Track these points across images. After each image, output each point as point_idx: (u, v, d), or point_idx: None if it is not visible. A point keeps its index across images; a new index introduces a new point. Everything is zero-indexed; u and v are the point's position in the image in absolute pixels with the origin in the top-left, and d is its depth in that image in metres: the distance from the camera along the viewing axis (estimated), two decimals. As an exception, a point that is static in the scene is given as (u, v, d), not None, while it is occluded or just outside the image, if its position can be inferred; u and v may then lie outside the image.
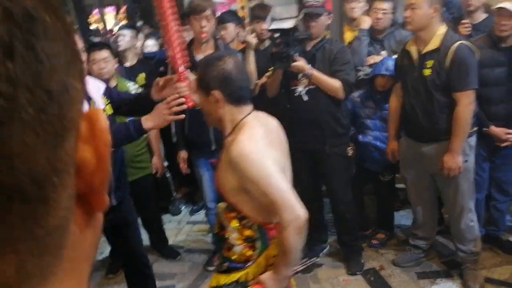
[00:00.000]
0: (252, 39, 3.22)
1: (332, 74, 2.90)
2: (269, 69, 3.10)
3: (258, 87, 3.32)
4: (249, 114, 1.59)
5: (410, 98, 2.85)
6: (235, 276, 1.61)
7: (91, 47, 3.11)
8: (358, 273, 3.17)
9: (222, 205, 1.66)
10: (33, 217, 0.25)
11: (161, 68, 4.01)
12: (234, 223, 1.59)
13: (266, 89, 3.20)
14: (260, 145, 1.50)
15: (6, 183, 0.23)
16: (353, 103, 3.33)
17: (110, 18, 14.83)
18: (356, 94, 3.33)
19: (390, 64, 3.09)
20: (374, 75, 3.22)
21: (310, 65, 2.85)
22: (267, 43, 3.41)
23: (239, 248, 1.59)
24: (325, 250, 3.41)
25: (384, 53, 3.45)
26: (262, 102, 3.23)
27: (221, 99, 1.55)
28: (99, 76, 2.90)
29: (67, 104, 0.26)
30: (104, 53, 3.04)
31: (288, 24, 2.90)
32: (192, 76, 2.00)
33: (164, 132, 3.51)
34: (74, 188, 0.28)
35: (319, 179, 3.28)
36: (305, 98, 2.97)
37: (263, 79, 3.30)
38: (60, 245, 0.28)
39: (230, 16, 3.71)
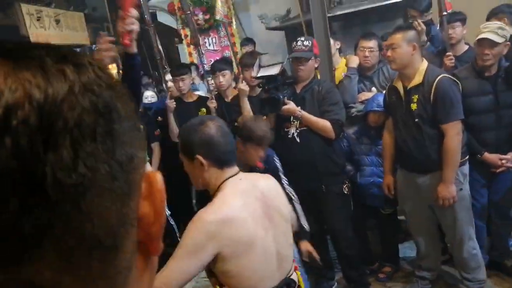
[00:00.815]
0: (245, 87, 3.35)
1: (322, 114, 2.99)
2: (263, 114, 3.20)
3: None
4: (232, 176, 1.60)
5: (401, 132, 2.93)
6: None
7: None
8: (367, 307, 3.16)
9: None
10: (107, 260, 0.31)
11: (159, 118, 4.15)
12: None
13: None
14: (209, 218, 1.48)
15: (88, 235, 0.29)
16: (349, 140, 3.40)
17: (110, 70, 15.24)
18: (351, 131, 3.42)
19: (381, 100, 3.18)
20: (366, 112, 3.31)
21: (299, 107, 2.95)
22: (257, 90, 3.54)
23: None
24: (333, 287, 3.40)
25: (374, 89, 3.56)
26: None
27: (205, 163, 1.57)
28: None
29: (133, 171, 0.33)
30: None
31: (275, 70, 3.02)
32: None
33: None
34: (136, 236, 0.35)
35: (320, 217, 3.32)
36: (298, 139, 3.05)
37: None
38: (126, 283, 0.34)
39: (225, 64, 3.87)
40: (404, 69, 2.80)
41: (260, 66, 3.35)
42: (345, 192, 3.12)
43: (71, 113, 0.28)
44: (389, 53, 2.78)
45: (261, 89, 3.19)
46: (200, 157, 1.56)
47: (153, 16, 6.60)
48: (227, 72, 3.73)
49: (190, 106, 3.89)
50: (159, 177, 0.37)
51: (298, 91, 3.12)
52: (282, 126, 3.11)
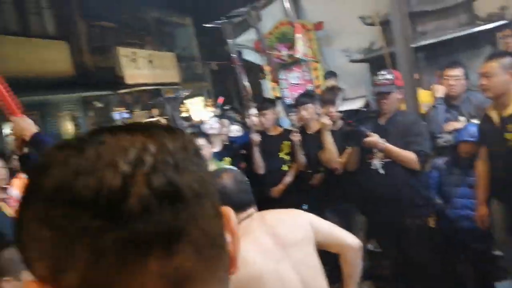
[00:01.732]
0: (327, 121, 3.40)
1: (406, 145, 2.94)
2: (347, 147, 3.23)
3: (342, 166, 3.44)
4: (245, 218, 1.72)
5: (496, 162, 2.79)
6: None
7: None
8: None
9: None
10: (221, 257, 0.45)
11: (243, 151, 4.31)
12: None
13: (346, 165, 3.33)
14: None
15: (209, 236, 0.42)
16: (439, 171, 3.29)
17: (198, 107, 16.12)
18: (440, 161, 3.31)
19: (473, 130, 3.06)
20: (457, 142, 3.19)
21: (383, 139, 2.94)
22: (339, 123, 3.56)
23: None
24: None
25: (462, 119, 3.43)
26: (348, 179, 3.36)
27: None
28: None
29: (224, 241, 0.46)
30: (200, 141, 3.37)
31: (358, 103, 3.05)
32: None
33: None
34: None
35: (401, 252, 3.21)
36: (381, 171, 3.02)
37: (344, 158, 3.42)
38: (227, 281, 0.46)
39: (308, 97, 3.97)
40: (499, 97, 2.69)
41: (343, 100, 3.40)
42: (431, 226, 3.00)
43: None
44: (484, 81, 2.69)
45: (343, 122, 3.23)
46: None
47: (239, 54, 6.94)
48: (310, 105, 3.82)
49: (274, 139, 4.01)
50: (231, 213, 0.49)
51: (381, 123, 3.11)
52: (365, 157, 3.11)
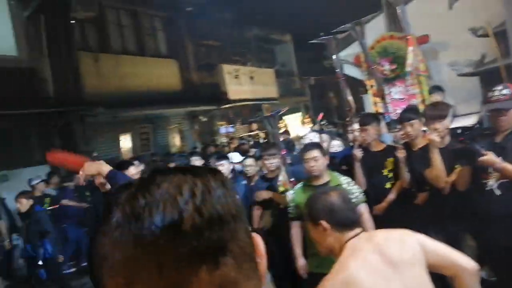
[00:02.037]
0: (436, 138, 3.20)
1: None
2: (456, 166, 3.07)
3: (449, 185, 3.28)
4: (353, 237, 1.72)
5: None
6: None
7: (304, 149, 3.56)
8: None
9: None
10: (255, 268, 0.55)
11: (343, 167, 4.29)
12: None
13: (456, 185, 3.17)
14: (346, 275, 1.56)
15: (245, 251, 0.54)
16: None
17: (295, 122, 16.30)
18: None
19: None
20: None
21: (500, 157, 2.75)
22: (446, 140, 3.39)
23: None
24: None
25: None
26: (455, 199, 3.20)
27: (328, 227, 1.75)
28: (310, 173, 3.36)
29: (256, 258, 0.57)
30: (315, 153, 3.39)
31: (471, 121, 2.90)
32: None
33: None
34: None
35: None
36: (497, 192, 2.84)
37: (453, 176, 3.26)
38: None
39: (413, 113, 3.85)
40: None
41: (454, 116, 3.24)
42: None
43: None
44: None
45: (452, 139, 3.08)
46: (323, 222, 1.76)
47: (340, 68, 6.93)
48: (415, 121, 3.69)
49: (376, 156, 3.94)
50: (259, 239, 0.60)
51: (498, 140, 2.92)
52: (478, 177, 2.94)
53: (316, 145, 3.61)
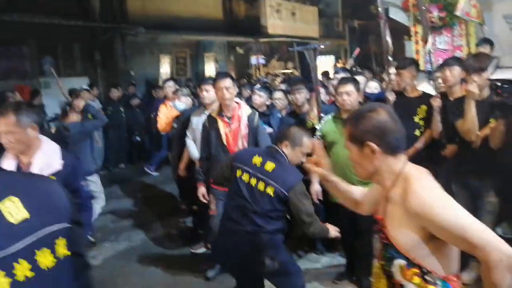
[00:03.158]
0: (475, 89, 3.11)
1: None
2: (490, 119, 3.03)
3: (480, 139, 3.25)
4: (406, 164, 1.56)
5: None
6: None
7: (340, 82, 3.63)
8: None
9: (401, 262, 1.54)
10: None
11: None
12: (416, 280, 1.52)
13: (489, 140, 3.14)
14: (439, 192, 1.48)
15: None
16: None
17: (327, 64, 15.98)
18: None
19: None
20: None
21: None
22: (485, 93, 3.33)
23: None
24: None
25: None
26: (484, 154, 3.19)
27: (377, 150, 1.53)
28: (341, 106, 3.49)
29: None
30: (349, 87, 3.44)
31: (512, 74, 2.83)
32: None
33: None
34: None
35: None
36: None
37: (485, 130, 3.21)
38: None
39: (456, 60, 3.76)
40: None
41: (496, 68, 3.14)
42: None
43: None
44: None
45: (489, 93, 3.03)
46: (372, 144, 1.53)
47: (385, 11, 6.69)
48: (456, 67, 3.59)
49: (410, 101, 3.88)
50: None
51: None
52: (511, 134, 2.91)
53: (352, 80, 3.61)
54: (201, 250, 4.48)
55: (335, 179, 1.88)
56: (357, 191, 1.89)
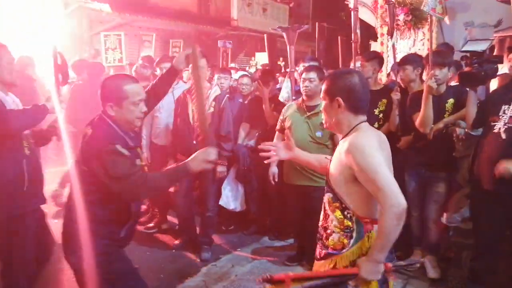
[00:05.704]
0: (432, 84, 3.24)
1: None
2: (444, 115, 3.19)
3: (433, 133, 3.39)
4: (363, 122, 1.84)
5: None
6: (331, 261, 1.82)
7: (304, 69, 3.77)
8: None
9: (329, 196, 1.86)
10: None
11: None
12: (337, 213, 1.80)
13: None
14: (373, 142, 1.74)
15: None
16: None
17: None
18: None
19: None
20: None
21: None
22: (442, 88, 3.46)
23: (337, 236, 1.80)
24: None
25: None
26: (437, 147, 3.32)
27: (342, 105, 1.82)
28: (303, 92, 3.66)
29: None
30: (311, 74, 3.61)
31: (482, 46, 2.96)
32: None
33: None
34: None
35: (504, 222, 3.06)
36: (503, 136, 2.86)
37: (439, 125, 3.39)
38: None
39: (408, 60, 3.87)
40: None
41: (467, 40, 3.26)
42: None
43: None
44: None
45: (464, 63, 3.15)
46: (340, 99, 1.82)
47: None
48: (408, 67, 3.76)
49: (372, 94, 3.93)
50: None
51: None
52: (488, 119, 2.99)
53: (316, 68, 3.72)
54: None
55: (305, 158, 2.23)
56: (326, 160, 2.14)
